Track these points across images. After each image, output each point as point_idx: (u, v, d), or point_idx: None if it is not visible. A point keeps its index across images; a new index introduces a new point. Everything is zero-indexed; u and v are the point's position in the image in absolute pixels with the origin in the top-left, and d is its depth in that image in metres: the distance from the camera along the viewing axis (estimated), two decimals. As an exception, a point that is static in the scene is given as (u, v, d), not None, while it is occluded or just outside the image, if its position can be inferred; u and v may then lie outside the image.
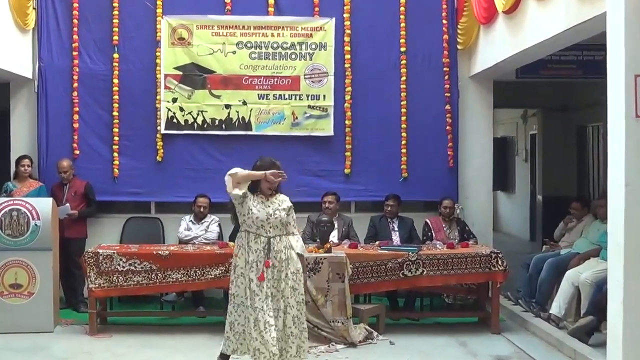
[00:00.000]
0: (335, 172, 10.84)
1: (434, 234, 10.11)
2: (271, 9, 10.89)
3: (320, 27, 10.90)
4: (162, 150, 10.82)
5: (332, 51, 10.91)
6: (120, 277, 8.77)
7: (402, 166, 10.95)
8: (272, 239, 6.63)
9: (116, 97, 10.78)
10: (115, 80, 10.79)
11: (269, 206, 6.69)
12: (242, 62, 10.87)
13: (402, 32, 10.99)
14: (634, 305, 6.00)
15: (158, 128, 10.81)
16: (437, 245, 9.50)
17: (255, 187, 6.73)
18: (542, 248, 10.60)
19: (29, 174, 10.04)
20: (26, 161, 10.03)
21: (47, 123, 10.71)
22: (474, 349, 8.30)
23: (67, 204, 9.85)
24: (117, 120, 10.80)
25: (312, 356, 7.66)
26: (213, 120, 10.86)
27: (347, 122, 10.93)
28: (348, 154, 10.94)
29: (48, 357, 7.87)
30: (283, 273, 6.61)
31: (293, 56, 10.91)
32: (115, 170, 10.78)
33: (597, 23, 6.95)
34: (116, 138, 10.80)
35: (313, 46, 10.91)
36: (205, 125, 10.85)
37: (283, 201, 6.81)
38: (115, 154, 10.80)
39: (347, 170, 10.92)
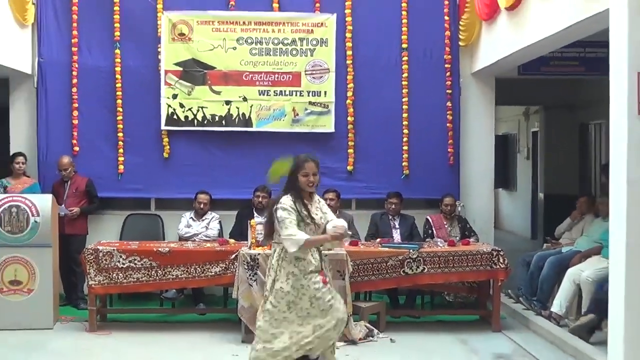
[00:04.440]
0: (337, 169, 10.83)
1: (435, 232, 10.13)
2: (275, 5, 10.92)
3: (322, 23, 10.91)
4: (168, 147, 10.85)
5: (333, 47, 10.91)
6: (120, 274, 8.79)
7: (404, 163, 10.98)
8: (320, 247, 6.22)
9: (119, 93, 10.80)
10: (118, 77, 10.80)
11: (317, 212, 6.18)
12: (242, 58, 10.88)
13: (404, 28, 11.01)
14: (635, 303, 6.02)
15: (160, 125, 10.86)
16: (438, 243, 9.51)
17: (294, 189, 6.13)
18: (543, 246, 10.63)
19: (23, 171, 10.09)
20: (20, 158, 10.09)
21: (47, 119, 10.74)
22: (474, 347, 8.33)
23: (62, 206, 9.87)
24: (121, 117, 10.81)
25: (312, 353, 7.66)
26: (213, 116, 10.86)
27: (349, 118, 10.95)
28: (351, 151, 10.97)
29: (47, 354, 7.89)
30: None
31: (294, 52, 10.92)
32: (121, 166, 10.82)
33: (600, 20, 6.97)
34: (120, 134, 10.82)
35: (314, 42, 10.91)
36: (205, 122, 10.86)
37: (320, 201, 6.34)
38: (121, 150, 10.84)
39: (349, 168, 10.95)
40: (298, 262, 6.03)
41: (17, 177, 10.01)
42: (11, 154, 10.29)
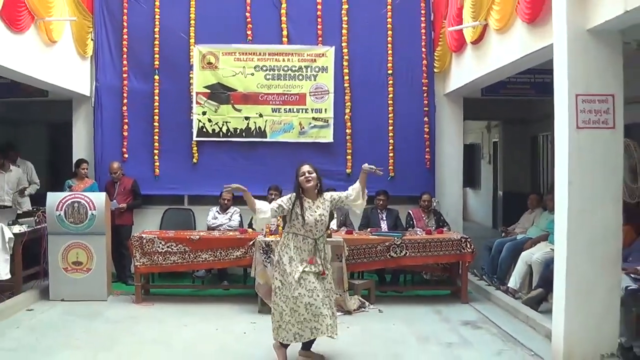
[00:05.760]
0: (337, 172, 10.81)
1: (415, 223, 10.14)
2: (285, 39, 10.97)
3: (323, 54, 10.96)
4: (197, 155, 10.90)
5: (332, 73, 10.96)
6: (160, 257, 8.85)
7: (390, 167, 10.98)
8: (317, 240, 6.15)
9: (157, 111, 10.88)
10: (156, 98, 10.88)
11: (316, 211, 6.13)
12: (258, 82, 10.94)
13: (390, 58, 11.06)
14: (574, 280, 6.05)
15: (192, 136, 10.89)
16: (418, 232, 9.55)
17: (296, 190, 6.17)
18: (502, 234, 10.66)
19: (86, 175, 10.17)
20: (85, 164, 10.17)
21: (102, 132, 10.85)
22: (447, 316, 8.36)
23: (114, 201, 9.94)
24: (158, 130, 10.89)
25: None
26: (235, 129, 10.92)
27: (347, 130, 10.98)
28: (349, 157, 10.99)
29: (103, 321, 7.95)
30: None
31: (300, 77, 10.97)
32: (157, 170, 10.87)
33: (545, 52, 7.02)
34: (156, 144, 10.89)
35: (317, 69, 10.97)
36: (228, 134, 10.92)
37: (324, 202, 6.21)
38: (156, 157, 10.89)
39: (348, 171, 10.96)
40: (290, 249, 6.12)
41: (80, 179, 10.09)
42: (75, 160, 10.38)
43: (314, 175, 6.14)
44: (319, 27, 11.01)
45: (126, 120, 10.87)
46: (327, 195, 6.28)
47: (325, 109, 10.96)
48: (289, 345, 6.21)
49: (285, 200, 6.18)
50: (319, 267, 6.12)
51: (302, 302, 5.97)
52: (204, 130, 10.88)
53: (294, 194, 6.18)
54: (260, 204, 6.19)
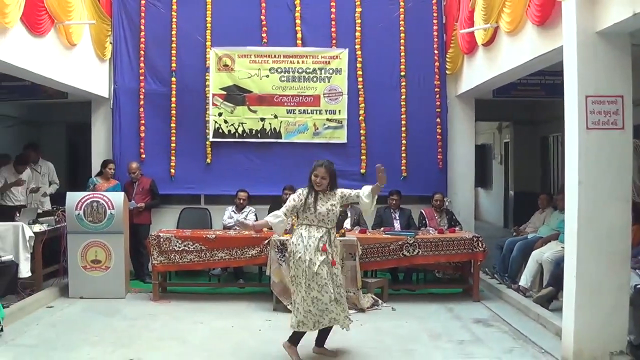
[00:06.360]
0: (351, 172, 10.81)
1: (427, 222, 10.14)
2: (299, 42, 11.00)
3: (337, 56, 10.97)
4: (211, 155, 10.94)
5: (345, 75, 10.98)
6: (177, 256, 8.87)
7: (402, 167, 11.00)
8: (330, 230, 6.28)
9: (173, 112, 10.93)
10: (173, 99, 10.92)
11: (327, 202, 6.25)
12: (273, 83, 10.96)
13: (402, 60, 11.06)
14: (584, 278, 6.05)
15: (207, 137, 10.94)
16: (430, 231, 9.55)
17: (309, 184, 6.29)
18: (513, 233, 10.64)
19: (112, 175, 10.24)
20: (111, 165, 10.26)
21: (120, 133, 10.90)
22: (458, 313, 8.35)
23: (133, 201, 10.01)
24: (174, 131, 10.93)
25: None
26: (251, 130, 10.95)
27: (361, 131, 10.99)
28: (363, 157, 11.00)
29: (121, 318, 8.00)
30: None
31: (314, 79, 10.98)
32: (173, 170, 10.92)
33: (555, 54, 7.01)
34: (173, 145, 10.94)
35: (330, 71, 10.98)
36: (244, 134, 10.95)
37: (334, 195, 6.33)
38: (173, 158, 10.94)
39: (362, 171, 10.98)
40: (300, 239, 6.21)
41: (105, 179, 10.16)
42: (94, 160, 10.46)
43: (325, 182, 6.25)
44: (332, 29, 11.03)
45: (143, 122, 10.92)
46: (338, 191, 6.38)
47: (339, 110, 10.98)
48: (298, 343, 6.30)
49: (295, 198, 6.27)
50: (330, 255, 6.21)
51: (327, 293, 6.08)
52: (220, 131, 10.92)
53: (306, 188, 6.29)
54: (270, 218, 6.26)
